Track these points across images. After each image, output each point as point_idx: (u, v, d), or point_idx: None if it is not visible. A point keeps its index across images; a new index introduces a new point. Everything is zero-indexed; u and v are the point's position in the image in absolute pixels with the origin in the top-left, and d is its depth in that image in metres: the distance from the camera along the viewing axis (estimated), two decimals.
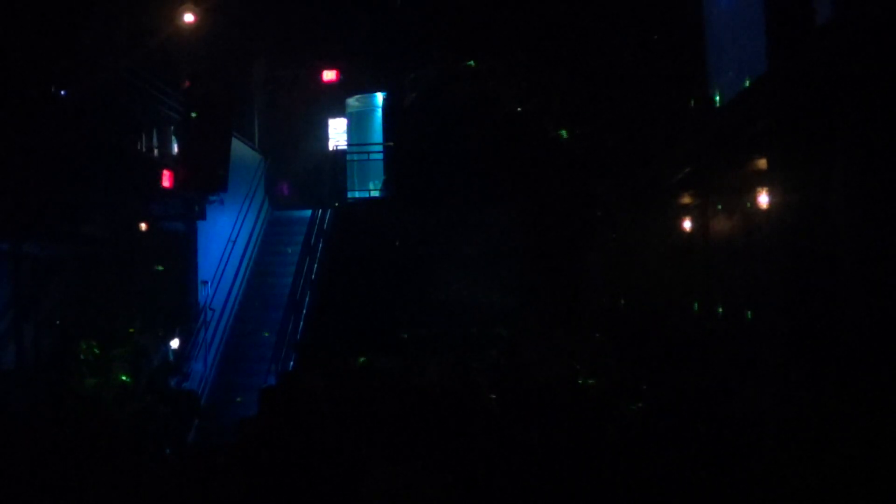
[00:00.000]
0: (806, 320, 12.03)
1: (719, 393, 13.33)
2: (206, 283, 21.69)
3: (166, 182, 20.10)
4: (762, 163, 13.69)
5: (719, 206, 16.40)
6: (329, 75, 27.61)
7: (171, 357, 19.87)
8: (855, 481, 7.87)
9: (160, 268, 20.26)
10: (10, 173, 15.24)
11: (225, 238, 22.65)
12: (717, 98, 16.22)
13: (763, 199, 13.59)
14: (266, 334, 22.09)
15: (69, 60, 17.14)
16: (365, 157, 27.53)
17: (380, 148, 26.83)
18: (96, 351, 16.80)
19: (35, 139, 15.74)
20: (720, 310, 15.98)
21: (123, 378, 17.28)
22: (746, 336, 14.39)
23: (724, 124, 15.02)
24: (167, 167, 20.34)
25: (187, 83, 21.98)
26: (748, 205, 14.46)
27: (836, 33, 10.79)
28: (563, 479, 9.31)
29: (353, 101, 28.07)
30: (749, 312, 14.49)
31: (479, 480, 8.96)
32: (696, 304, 17.15)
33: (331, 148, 27.78)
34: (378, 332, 20.11)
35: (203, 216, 21.65)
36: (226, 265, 22.46)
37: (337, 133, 28.40)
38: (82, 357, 16.61)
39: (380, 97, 27.36)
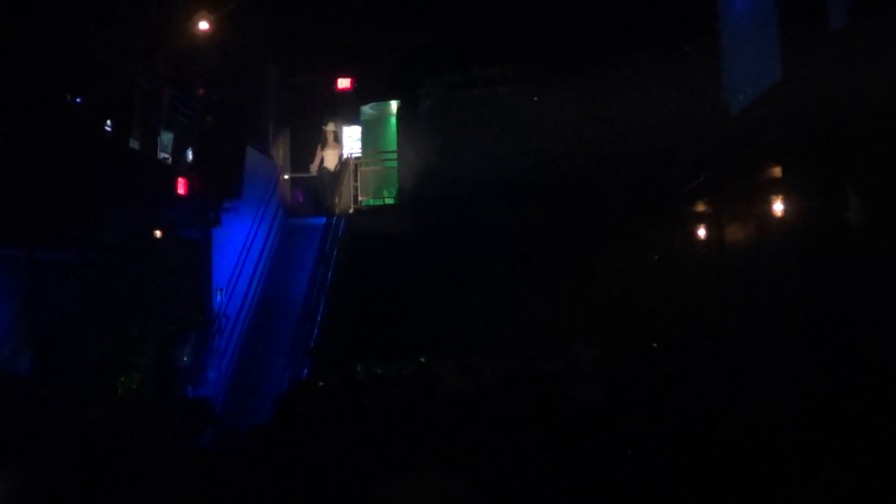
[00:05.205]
0: (821, 327, 11.99)
1: (734, 399, 13.30)
2: (220, 290, 21.71)
3: (181, 189, 20.13)
4: (777, 170, 13.66)
5: (734, 214, 16.37)
6: (344, 83, 27.67)
7: (186, 364, 19.88)
8: (865, 489, 7.85)
9: (175, 275, 20.29)
10: (25, 180, 15.30)
11: (239, 245, 22.67)
12: (732, 105, 16.20)
13: (778, 207, 13.57)
14: (280, 341, 22.08)
15: (84, 68, 17.20)
16: (379, 164, 27.54)
17: (394, 155, 26.81)
18: (111, 358, 16.84)
19: (50, 146, 15.79)
20: (734, 316, 15.94)
21: (138, 385, 17.30)
22: (761, 344, 14.35)
23: (739, 132, 15.00)
24: (182, 174, 20.38)
25: (202, 91, 22.05)
26: (763, 212, 14.42)
27: (850, 39, 10.77)
28: (578, 486, 9.30)
29: (367, 109, 28.06)
30: (764, 319, 14.45)
31: (493, 488, 8.95)
32: (711, 311, 17.11)
33: (345, 155, 27.81)
34: (392, 339, 20.06)
35: (218, 223, 21.67)
36: (240, 272, 22.47)
37: (351, 141, 28.43)
38: (97, 364, 16.65)
39: (394, 105, 27.34)
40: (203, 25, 20.37)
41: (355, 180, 27.52)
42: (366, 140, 28.19)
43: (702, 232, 17.95)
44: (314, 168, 26.81)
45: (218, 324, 21.36)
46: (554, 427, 11.19)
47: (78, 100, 17.64)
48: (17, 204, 15.32)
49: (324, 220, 25.28)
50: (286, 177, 27.74)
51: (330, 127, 27.16)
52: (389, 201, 26.93)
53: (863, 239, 11.04)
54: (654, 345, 17.48)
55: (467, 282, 21.46)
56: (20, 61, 15.32)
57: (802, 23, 12.59)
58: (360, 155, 28.11)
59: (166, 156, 20.43)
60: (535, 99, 23.23)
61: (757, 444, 9.85)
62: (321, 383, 16.04)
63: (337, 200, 26.48)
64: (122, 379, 17.26)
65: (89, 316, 17.95)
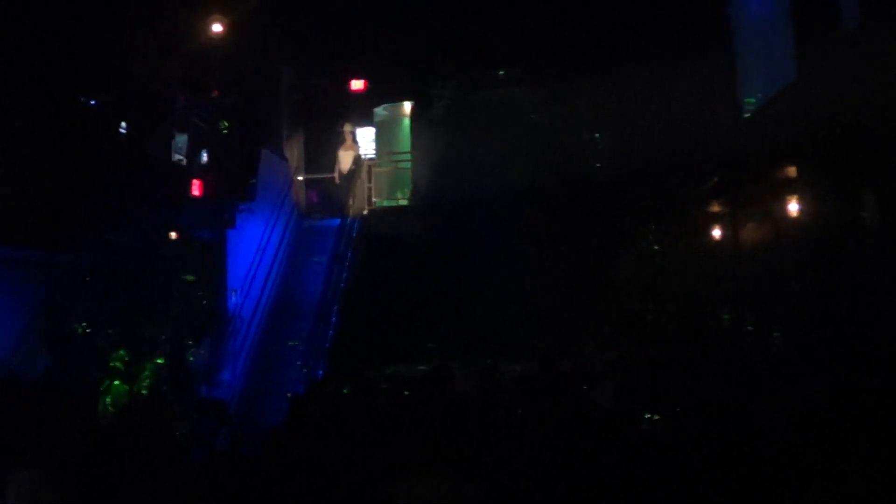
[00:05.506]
0: (837, 326, 11.97)
1: (752, 400, 13.27)
2: (235, 291, 21.74)
3: (196, 191, 20.20)
4: (791, 171, 13.65)
5: (748, 215, 16.35)
6: (357, 84, 27.61)
7: (201, 364, 19.91)
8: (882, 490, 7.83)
9: (190, 277, 20.34)
10: (41, 183, 15.37)
11: (254, 246, 22.68)
12: (746, 106, 16.19)
13: (792, 208, 13.55)
14: (295, 342, 22.09)
15: (99, 71, 17.26)
16: (393, 165, 27.54)
17: (408, 157, 26.80)
18: (126, 359, 16.89)
19: (66, 149, 15.86)
20: (749, 317, 15.92)
21: (153, 386, 17.36)
22: (779, 344, 14.33)
23: (753, 133, 14.99)
24: (196, 176, 20.44)
25: (216, 93, 22.09)
26: (777, 213, 14.41)
27: (864, 39, 10.76)
28: (592, 488, 9.29)
29: (380, 110, 28.06)
30: (780, 319, 14.43)
31: (507, 492, 8.95)
32: (725, 311, 17.09)
33: (360, 156, 27.82)
34: (407, 340, 20.08)
35: (232, 225, 21.71)
36: (255, 273, 22.48)
37: (365, 142, 28.42)
38: (113, 365, 16.69)
39: (408, 106, 27.32)
40: (217, 28, 20.40)
41: (369, 181, 27.52)
42: (379, 141, 28.18)
43: (717, 232, 17.94)
44: (338, 176, 26.81)
45: (233, 325, 21.39)
46: (568, 428, 11.18)
47: (92, 102, 17.70)
48: (34, 207, 15.39)
49: (338, 221, 25.27)
50: (300, 178, 27.75)
51: (347, 128, 27.16)
52: (403, 202, 26.93)
53: (878, 238, 11.02)
54: (670, 346, 17.46)
55: (482, 282, 21.45)
56: (35, 64, 15.39)
57: (816, 24, 12.58)
58: (373, 156, 28.10)
59: (181, 158, 20.48)
60: (550, 100, 23.20)
61: (777, 445, 9.84)
62: (336, 384, 16.05)
63: (351, 201, 26.47)
64: (138, 380, 17.32)
65: (104, 317, 18.01)
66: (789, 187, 13.78)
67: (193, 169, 20.80)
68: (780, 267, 14.60)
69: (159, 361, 17.96)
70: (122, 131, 18.59)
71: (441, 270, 22.27)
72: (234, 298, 21.71)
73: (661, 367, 15.60)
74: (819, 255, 12.79)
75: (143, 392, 17.12)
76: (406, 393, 13.86)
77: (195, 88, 21.14)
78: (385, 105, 27.90)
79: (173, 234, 19.97)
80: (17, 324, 17.10)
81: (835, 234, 12.18)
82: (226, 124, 22.09)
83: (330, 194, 27.24)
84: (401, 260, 22.97)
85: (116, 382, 16.86)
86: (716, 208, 17.83)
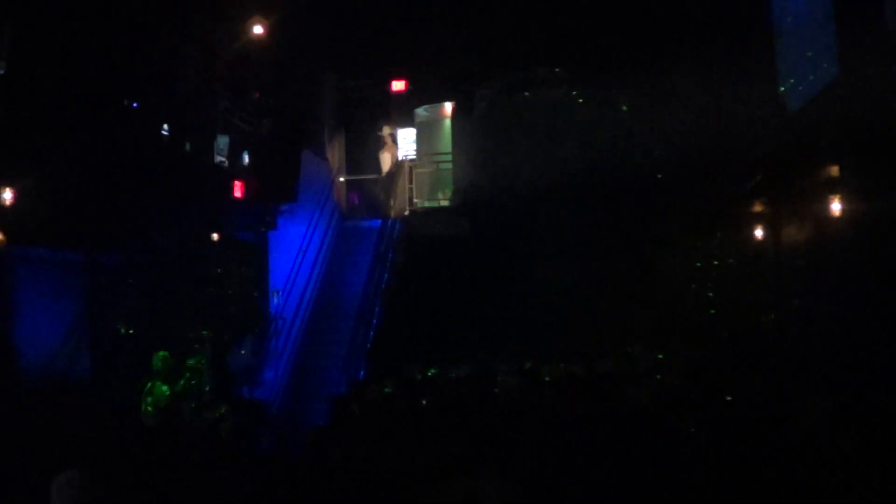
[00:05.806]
0: (883, 327, 11.87)
1: (793, 401, 13.18)
2: (277, 292, 21.81)
3: (237, 192, 20.28)
4: (835, 170, 13.55)
5: (791, 214, 16.24)
6: (398, 85, 27.60)
7: (243, 365, 19.99)
8: None
9: (231, 278, 20.44)
10: (83, 185, 15.45)
11: (295, 247, 22.75)
12: (789, 105, 16.08)
13: (836, 207, 13.45)
14: (336, 343, 22.12)
15: (141, 73, 17.36)
16: (434, 166, 27.49)
17: (449, 157, 26.75)
18: (169, 360, 16.96)
19: (108, 151, 15.95)
20: (792, 317, 15.81)
21: (195, 387, 17.42)
22: (823, 346, 14.22)
23: (796, 131, 14.88)
24: (238, 178, 20.53)
25: (257, 94, 22.17)
26: (822, 212, 14.30)
27: None
28: (635, 491, 9.25)
29: (421, 111, 27.98)
30: (825, 321, 14.32)
31: (549, 493, 8.93)
32: (768, 312, 16.98)
33: (400, 158, 27.82)
34: (448, 341, 20.05)
35: (274, 226, 21.82)
36: (297, 274, 22.56)
37: (406, 143, 28.40)
38: (156, 366, 16.76)
39: (449, 106, 27.26)
40: (258, 30, 20.45)
41: (410, 182, 27.48)
42: (420, 142, 28.11)
43: (759, 232, 17.83)
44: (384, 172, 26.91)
45: (274, 325, 21.47)
46: (611, 429, 11.14)
47: (134, 104, 17.81)
48: (76, 209, 15.49)
49: (379, 222, 25.29)
50: (342, 179, 27.80)
51: (386, 131, 27.22)
52: (444, 203, 26.84)
53: None
54: (712, 347, 17.36)
55: (523, 283, 21.39)
56: (77, 66, 15.48)
57: (858, 23, 12.49)
58: (414, 157, 28.07)
59: (222, 159, 20.57)
60: (592, 99, 23.11)
61: (818, 449, 9.76)
62: (378, 385, 16.07)
63: (392, 202, 26.49)
64: (179, 381, 17.39)
65: (148, 318, 18.11)
66: (832, 186, 13.67)
67: (235, 170, 20.88)
68: (823, 267, 14.49)
69: (202, 362, 18.02)
70: (165, 133, 18.69)
71: (482, 271, 22.22)
72: (275, 299, 21.80)
73: (702, 368, 15.53)
74: (862, 255, 12.68)
75: (184, 392, 17.19)
76: (449, 393, 13.86)
77: (237, 90, 21.23)
78: (426, 106, 27.83)
79: (215, 236, 20.07)
80: (61, 325, 17.23)
81: (880, 233, 12.08)
82: (267, 126, 22.18)
83: (371, 195, 27.30)
84: (441, 260, 22.93)
85: (159, 383, 16.95)
86: (759, 207, 17.72)
